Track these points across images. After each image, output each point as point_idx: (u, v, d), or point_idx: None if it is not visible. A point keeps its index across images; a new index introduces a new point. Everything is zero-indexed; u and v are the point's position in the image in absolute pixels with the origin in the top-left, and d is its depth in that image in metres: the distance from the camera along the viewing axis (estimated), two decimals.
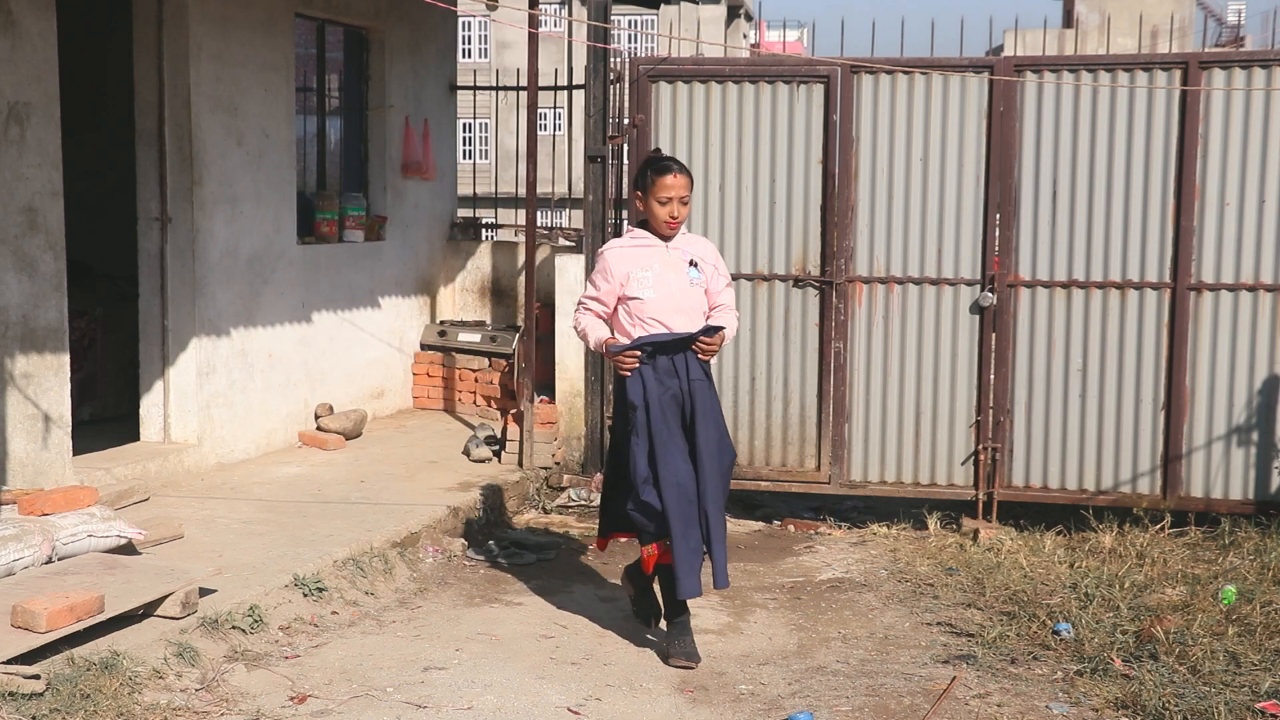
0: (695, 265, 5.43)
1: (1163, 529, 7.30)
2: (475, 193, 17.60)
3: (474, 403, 9.99)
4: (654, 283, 5.35)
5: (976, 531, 7.40)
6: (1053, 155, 7.52)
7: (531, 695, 4.92)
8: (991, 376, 7.65)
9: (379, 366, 9.69)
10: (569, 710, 4.80)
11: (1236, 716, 4.69)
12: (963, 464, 7.71)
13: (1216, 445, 7.47)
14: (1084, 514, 7.47)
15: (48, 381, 6.50)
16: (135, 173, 7.70)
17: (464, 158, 28.02)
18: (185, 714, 4.54)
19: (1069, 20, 33.43)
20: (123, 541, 5.68)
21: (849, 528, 7.88)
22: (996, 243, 7.59)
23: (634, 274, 5.36)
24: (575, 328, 5.61)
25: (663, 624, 5.66)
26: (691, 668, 5.30)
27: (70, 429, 6.67)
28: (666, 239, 5.42)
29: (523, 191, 8.81)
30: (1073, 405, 7.58)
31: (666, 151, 7.95)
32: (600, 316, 5.50)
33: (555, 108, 14.61)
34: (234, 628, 5.21)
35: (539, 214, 10.66)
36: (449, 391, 10.10)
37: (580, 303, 5.57)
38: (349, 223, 9.26)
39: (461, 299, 10.56)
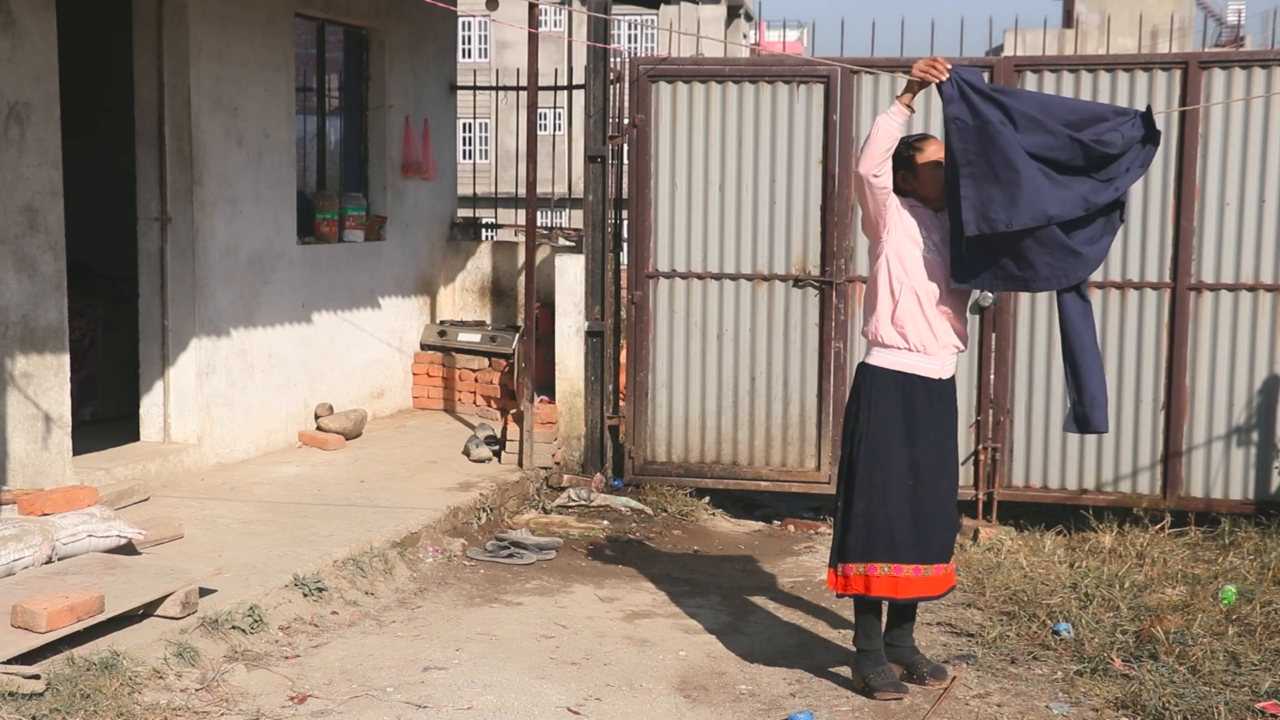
0: None
1: (1163, 529, 7.30)
2: (475, 193, 17.59)
3: (474, 403, 9.99)
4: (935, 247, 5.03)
5: (976, 531, 7.40)
6: None
7: (531, 695, 4.92)
8: (992, 376, 7.65)
9: (379, 366, 9.69)
10: (569, 710, 4.80)
11: (1236, 716, 4.69)
12: (963, 464, 7.70)
13: (1216, 445, 7.47)
14: (1084, 514, 7.47)
15: (48, 381, 6.50)
16: (135, 172, 7.71)
17: (464, 158, 28.03)
18: (185, 714, 4.54)
19: (1069, 20, 33.38)
20: (123, 541, 5.68)
21: None
22: None
23: (911, 234, 5.03)
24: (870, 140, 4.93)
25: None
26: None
27: (70, 429, 6.67)
28: (939, 210, 5.10)
29: (523, 191, 8.80)
30: None
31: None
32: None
33: (555, 108, 14.57)
34: (234, 628, 5.21)
35: (539, 214, 10.66)
36: (449, 391, 10.09)
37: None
38: (349, 223, 9.26)
39: (461, 299, 10.56)
